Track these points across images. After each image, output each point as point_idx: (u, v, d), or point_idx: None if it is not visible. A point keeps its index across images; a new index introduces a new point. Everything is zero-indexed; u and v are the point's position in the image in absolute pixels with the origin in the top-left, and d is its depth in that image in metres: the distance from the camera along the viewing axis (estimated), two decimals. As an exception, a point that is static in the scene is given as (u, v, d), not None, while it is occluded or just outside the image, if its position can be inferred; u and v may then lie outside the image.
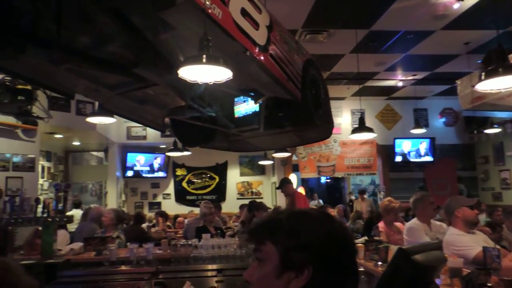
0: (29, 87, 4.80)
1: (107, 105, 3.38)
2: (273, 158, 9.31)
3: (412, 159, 9.51)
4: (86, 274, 3.54)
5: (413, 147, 9.51)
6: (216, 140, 4.19)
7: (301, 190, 8.68)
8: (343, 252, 0.90)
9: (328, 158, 9.43)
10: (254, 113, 3.53)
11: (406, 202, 5.07)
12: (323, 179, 14.22)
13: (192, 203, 10.18)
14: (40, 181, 7.41)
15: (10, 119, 5.54)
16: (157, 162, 10.16)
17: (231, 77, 2.30)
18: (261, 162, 9.73)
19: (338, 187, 13.89)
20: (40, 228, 3.97)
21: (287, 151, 8.11)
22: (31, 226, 4.03)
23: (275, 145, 5.59)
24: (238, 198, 10.45)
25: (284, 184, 6.05)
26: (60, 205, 4.13)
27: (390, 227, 4.14)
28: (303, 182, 11.17)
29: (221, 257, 3.81)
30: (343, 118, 9.59)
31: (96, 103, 5.87)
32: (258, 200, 6.96)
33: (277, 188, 6.94)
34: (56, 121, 6.33)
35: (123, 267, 3.62)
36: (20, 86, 4.73)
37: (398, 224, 4.24)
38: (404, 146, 9.49)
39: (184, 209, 9.88)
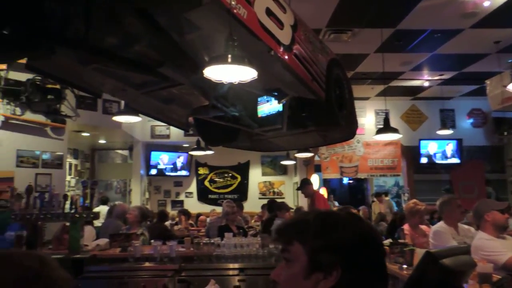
0: (58, 86, 4.94)
1: (133, 104, 3.44)
2: (295, 158, 9.26)
3: (438, 161, 9.27)
4: (111, 269, 3.62)
5: (439, 149, 9.28)
6: (239, 140, 4.21)
7: (323, 191, 8.61)
8: (372, 253, 0.89)
9: (351, 158, 9.32)
10: (278, 113, 3.53)
11: (431, 205, 4.96)
12: (345, 180, 14.05)
13: (214, 202, 10.24)
14: (68, 178, 7.61)
15: (40, 117, 5.73)
16: (180, 160, 10.27)
17: (256, 77, 2.31)
18: (283, 162, 9.69)
19: (361, 188, 13.69)
20: (67, 224, 4.09)
21: (309, 151, 8.05)
22: (59, 221, 4.14)
23: (298, 145, 5.57)
24: (259, 198, 10.45)
25: (304, 185, 6.02)
26: (87, 202, 4.24)
27: (415, 230, 4.05)
28: (325, 182, 11.07)
29: (243, 256, 3.81)
30: (366, 119, 9.45)
31: (122, 102, 5.99)
32: (279, 200, 6.95)
33: (297, 189, 6.91)
34: (83, 120, 6.50)
35: (147, 264, 3.68)
36: (49, 86, 4.88)
37: (423, 227, 4.15)
38: (429, 147, 9.27)
39: (206, 208, 9.96)
